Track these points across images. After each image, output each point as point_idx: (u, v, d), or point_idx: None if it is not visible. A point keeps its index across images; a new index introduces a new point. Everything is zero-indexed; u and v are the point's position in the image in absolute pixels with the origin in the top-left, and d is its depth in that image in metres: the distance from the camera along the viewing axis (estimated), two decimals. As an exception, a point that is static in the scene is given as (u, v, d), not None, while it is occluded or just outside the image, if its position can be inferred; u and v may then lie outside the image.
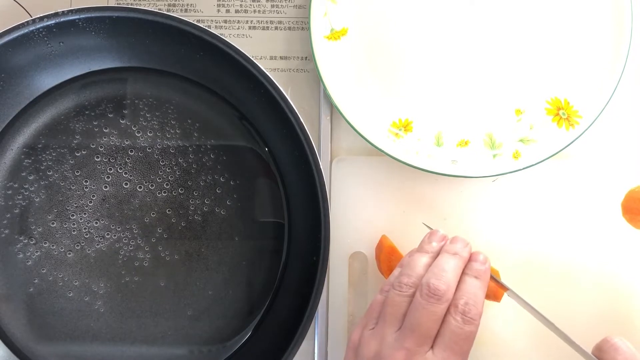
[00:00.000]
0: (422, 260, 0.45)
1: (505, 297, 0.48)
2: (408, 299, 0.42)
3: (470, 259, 0.45)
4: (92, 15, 0.49)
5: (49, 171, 0.54)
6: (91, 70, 0.55)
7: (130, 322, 0.54)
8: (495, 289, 0.48)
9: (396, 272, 0.46)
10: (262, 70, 0.49)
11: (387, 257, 0.52)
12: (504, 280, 0.49)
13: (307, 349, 0.54)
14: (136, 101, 0.55)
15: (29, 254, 0.54)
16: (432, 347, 0.41)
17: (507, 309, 0.52)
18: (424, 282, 0.42)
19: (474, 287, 0.42)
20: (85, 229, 0.54)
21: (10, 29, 0.49)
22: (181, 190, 0.54)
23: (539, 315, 0.45)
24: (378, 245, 0.54)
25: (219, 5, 0.58)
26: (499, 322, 0.53)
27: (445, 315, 0.41)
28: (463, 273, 0.44)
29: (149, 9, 0.50)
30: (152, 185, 0.54)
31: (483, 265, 0.44)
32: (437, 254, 0.45)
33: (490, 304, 0.50)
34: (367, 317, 0.44)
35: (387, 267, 0.52)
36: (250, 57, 0.50)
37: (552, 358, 0.53)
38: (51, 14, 0.49)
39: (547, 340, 0.52)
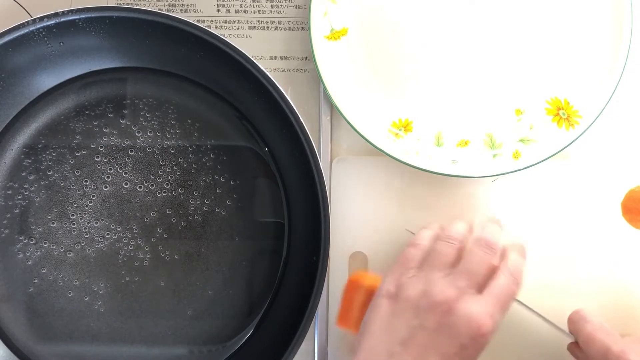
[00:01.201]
0: (461, 226, 0.48)
1: None
2: (456, 251, 0.45)
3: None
4: (92, 15, 0.49)
5: (49, 171, 0.54)
6: (91, 70, 0.55)
7: (130, 322, 0.54)
8: None
9: (396, 270, 0.46)
10: (262, 70, 0.49)
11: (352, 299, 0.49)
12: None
13: (307, 349, 0.54)
14: (136, 101, 0.55)
15: (29, 254, 0.54)
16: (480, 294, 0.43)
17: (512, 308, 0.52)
18: (478, 236, 0.46)
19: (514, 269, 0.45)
20: (85, 229, 0.54)
21: (10, 29, 0.49)
22: (181, 190, 0.54)
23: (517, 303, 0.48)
24: (350, 288, 0.51)
25: (219, 5, 0.58)
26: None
27: (495, 273, 0.44)
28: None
29: (149, 9, 0.50)
30: (152, 185, 0.54)
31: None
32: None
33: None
34: (401, 267, 0.46)
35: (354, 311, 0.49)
36: (250, 57, 0.50)
37: (551, 356, 0.53)
38: (51, 14, 0.49)
39: (547, 338, 0.52)
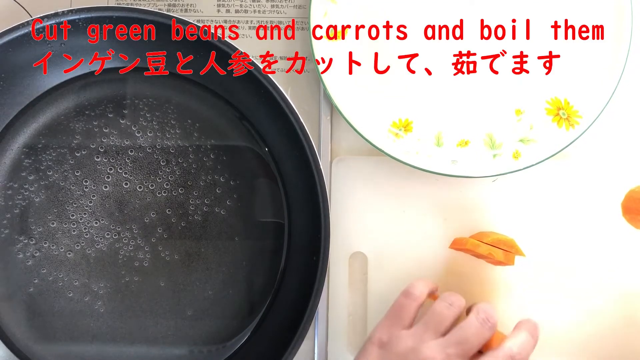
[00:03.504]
0: (459, 296, 0.47)
1: (518, 261, 0.50)
2: (454, 317, 0.45)
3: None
4: (92, 15, 0.49)
5: (49, 171, 0.54)
6: (91, 70, 0.55)
7: (130, 322, 0.54)
8: (508, 254, 0.50)
9: (390, 319, 0.47)
10: (262, 70, 0.49)
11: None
12: (504, 275, 0.49)
13: (307, 349, 0.54)
14: (136, 101, 0.55)
15: (29, 254, 0.54)
16: None
17: (512, 308, 0.52)
18: (480, 307, 0.45)
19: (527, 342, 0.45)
20: (85, 229, 0.54)
21: (10, 29, 0.49)
22: (181, 190, 0.54)
23: None
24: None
25: (219, 5, 0.58)
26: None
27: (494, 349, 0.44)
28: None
29: (149, 9, 0.50)
30: (152, 185, 0.54)
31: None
32: None
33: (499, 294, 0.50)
34: (395, 317, 0.46)
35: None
36: (251, 57, 0.50)
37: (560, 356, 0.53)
38: (51, 14, 0.49)
39: (555, 337, 0.52)
